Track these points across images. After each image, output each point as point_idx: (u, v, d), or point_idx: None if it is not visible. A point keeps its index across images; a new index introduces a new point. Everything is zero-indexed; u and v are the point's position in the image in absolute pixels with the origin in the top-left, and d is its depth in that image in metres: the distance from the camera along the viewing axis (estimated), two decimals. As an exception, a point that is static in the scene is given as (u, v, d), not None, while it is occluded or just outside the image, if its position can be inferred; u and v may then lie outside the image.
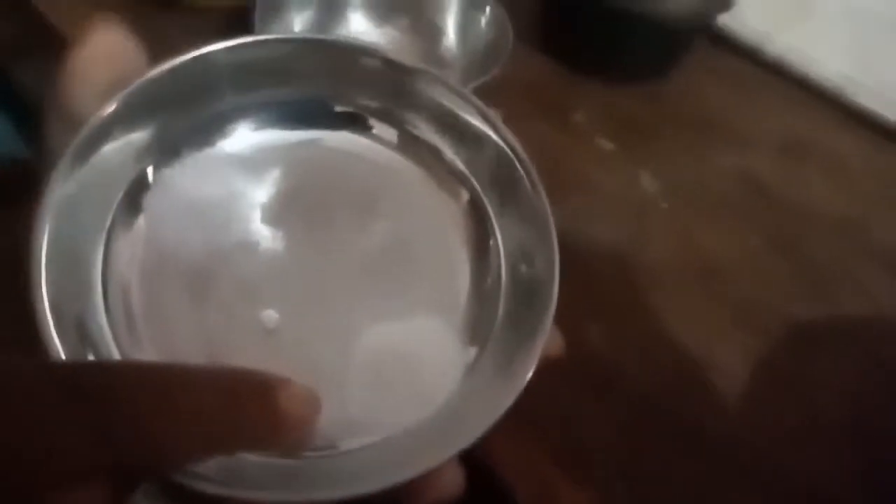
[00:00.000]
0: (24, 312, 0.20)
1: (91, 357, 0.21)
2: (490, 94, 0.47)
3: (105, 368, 0.19)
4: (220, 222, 0.25)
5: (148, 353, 0.23)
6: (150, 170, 0.25)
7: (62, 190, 0.22)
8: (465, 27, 0.46)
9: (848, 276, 0.39)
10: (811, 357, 0.37)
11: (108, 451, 0.16)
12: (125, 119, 0.24)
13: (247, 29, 0.41)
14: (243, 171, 0.26)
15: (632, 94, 0.49)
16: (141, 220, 0.25)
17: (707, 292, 0.39)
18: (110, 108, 0.23)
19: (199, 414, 0.17)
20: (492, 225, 0.27)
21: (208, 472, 0.19)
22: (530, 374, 0.23)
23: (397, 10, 0.46)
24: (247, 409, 0.18)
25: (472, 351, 0.25)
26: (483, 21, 0.45)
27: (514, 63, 0.49)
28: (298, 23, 0.44)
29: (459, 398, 0.24)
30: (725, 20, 0.52)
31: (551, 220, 0.25)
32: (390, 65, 0.27)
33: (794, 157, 0.46)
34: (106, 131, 0.23)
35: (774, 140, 0.47)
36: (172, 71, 0.25)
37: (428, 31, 0.46)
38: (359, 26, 0.46)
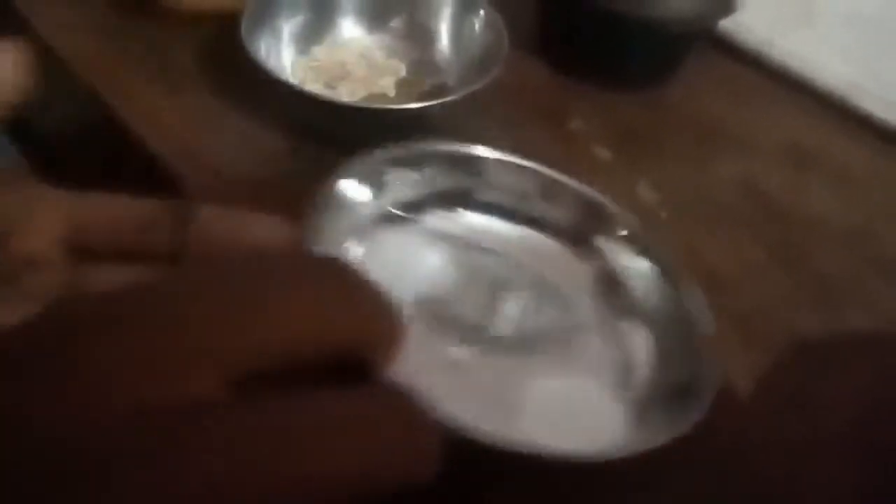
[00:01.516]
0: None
1: None
2: (485, 100, 0.47)
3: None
4: (426, 272, 0.34)
5: None
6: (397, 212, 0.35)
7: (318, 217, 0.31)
8: (458, 32, 0.45)
9: (854, 289, 0.38)
10: (816, 371, 0.36)
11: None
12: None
13: (236, 37, 0.40)
14: (454, 239, 0.35)
15: (631, 101, 0.48)
16: (369, 247, 0.33)
17: (709, 304, 0.38)
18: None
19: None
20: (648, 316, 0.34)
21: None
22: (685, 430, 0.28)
23: (389, 14, 0.45)
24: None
25: (628, 410, 0.31)
26: (477, 25, 0.44)
27: (511, 69, 0.48)
28: (287, 30, 0.43)
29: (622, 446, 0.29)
30: (727, 25, 0.51)
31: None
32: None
33: (798, 166, 0.45)
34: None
35: (777, 148, 0.46)
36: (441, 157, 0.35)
37: (421, 35, 0.45)
38: (350, 32, 0.45)
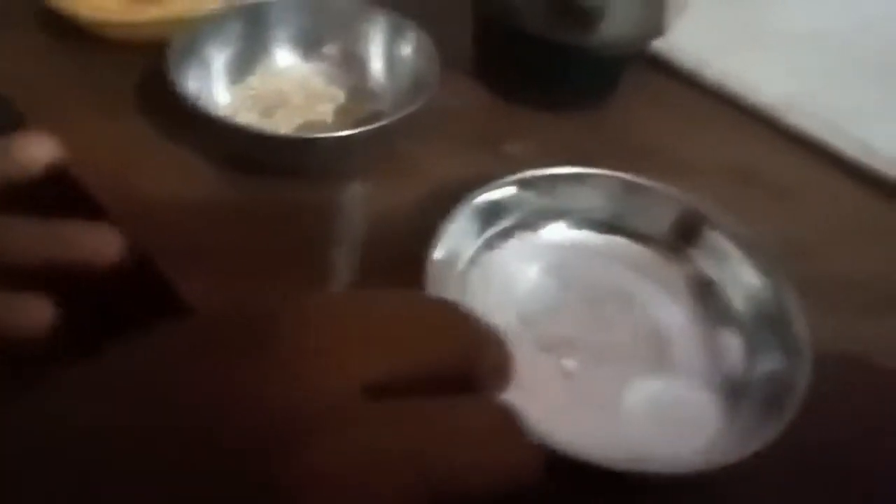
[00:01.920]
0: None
1: None
2: (423, 124, 0.48)
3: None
4: (528, 290, 0.37)
5: None
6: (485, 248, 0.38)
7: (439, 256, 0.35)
8: (391, 57, 0.45)
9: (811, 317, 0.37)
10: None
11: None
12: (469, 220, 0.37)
13: (165, 66, 0.40)
14: (542, 257, 0.39)
15: (568, 123, 0.48)
16: (475, 279, 0.37)
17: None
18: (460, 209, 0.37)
19: None
20: (738, 322, 0.36)
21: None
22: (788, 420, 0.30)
23: (323, 42, 0.46)
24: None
25: (725, 408, 0.33)
26: (408, 50, 0.44)
27: (447, 92, 0.49)
28: (220, 59, 0.43)
29: (720, 442, 0.31)
30: (665, 45, 0.52)
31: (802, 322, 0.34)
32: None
33: (738, 183, 0.46)
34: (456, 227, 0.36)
35: (716, 166, 0.46)
36: (524, 182, 0.39)
37: (355, 62, 0.46)
38: (285, 61, 0.46)
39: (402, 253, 0.36)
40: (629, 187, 0.39)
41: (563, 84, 0.47)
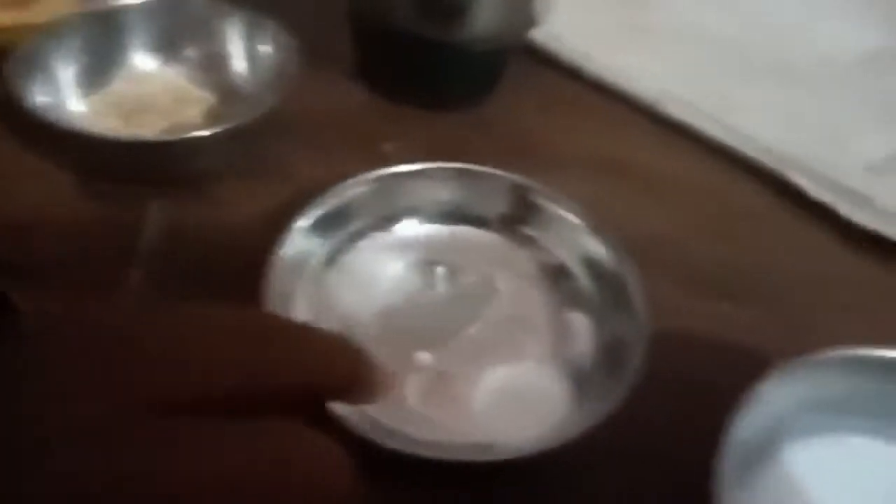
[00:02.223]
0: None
1: None
2: (293, 126, 0.47)
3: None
4: (388, 288, 0.37)
5: None
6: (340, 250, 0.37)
7: (286, 258, 0.34)
8: (251, 54, 0.44)
9: (657, 300, 0.37)
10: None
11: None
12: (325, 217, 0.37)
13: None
14: (403, 253, 0.38)
15: (448, 121, 0.48)
16: (330, 283, 0.36)
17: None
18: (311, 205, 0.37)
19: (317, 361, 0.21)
20: (591, 302, 0.36)
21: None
22: (620, 399, 0.30)
23: (182, 44, 0.45)
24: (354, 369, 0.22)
25: (573, 391, 0.34)
26: (267, 47, 0.44)
27: (327, 93, 0.48)
28: (67, 69, 0.41)
29: (567, 424, 0.31)
30: (548, 40, 0.52)
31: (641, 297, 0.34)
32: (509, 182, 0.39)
33: (613, 176, 0.45)
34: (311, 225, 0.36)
35: (593, 159, 0.46)
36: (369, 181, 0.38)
37: (217, 62, 0.45)
38: (144, 66, 0.45)
39: (259, 258, 0.35)
40: (471, 177, 0.39)
41: (439, 81, 0.47)
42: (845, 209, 0.43)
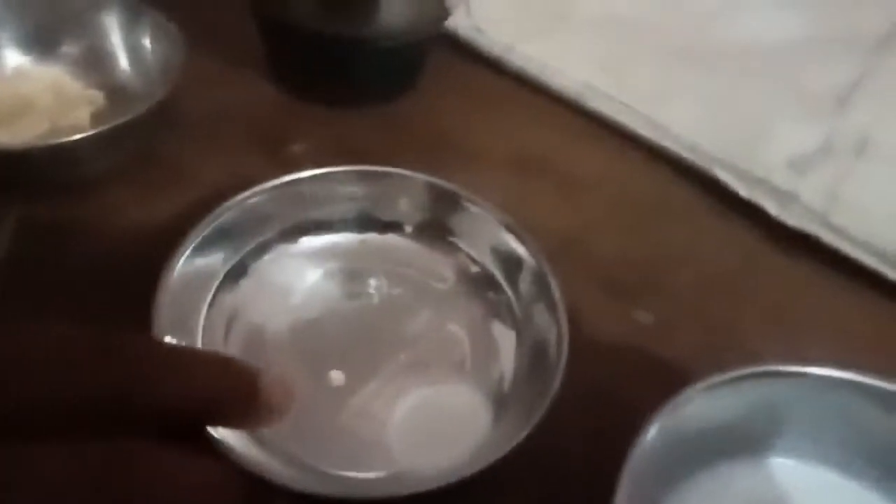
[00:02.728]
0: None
1: None
2: (192, 125, 0.43)
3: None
4: (299, 300, 0.34)
5: None
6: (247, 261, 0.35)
7: (181, 271, 0.31)
8: (134, 48, 0.41)
9: (575, 306, 0.35)
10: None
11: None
12: (224, 227, 0.34)
13: None
14: (315, 263, 0.36)
15: (362, 119, 0.45)
16: (235, 296, 0.33)
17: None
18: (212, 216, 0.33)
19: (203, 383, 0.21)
20: (513, 312, 0.34)
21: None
22: (537, 420, 0.28)
23: (59, 40, 0.41)
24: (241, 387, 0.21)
25: (494, 410, 0.31)
26: (150, 38, 0.40)
27: (233, 89, 0.45)
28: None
29: (485, 446, 0.29)
30: (468, 32, 0.49)
31: (562, 307, 0.32)
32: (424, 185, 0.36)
33: (533, 174, 0.43)
34: (211, 234, 0.33)
35: (514, 157, 0.44)
36: (268, 191, 0.35)
37: (99, 58, 0.41)
38: (15, 63, 0.41)
39: (151, 272, 0.32)
40: (384, 179, 0.36)
41: (350, 78, 0.44)
42: (772, 207, 0.42)
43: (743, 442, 0.27)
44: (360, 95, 0.45)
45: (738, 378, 0.26)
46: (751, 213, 0.42)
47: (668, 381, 0.33)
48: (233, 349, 0.32)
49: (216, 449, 0.23)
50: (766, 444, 0.27)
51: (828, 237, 0.41)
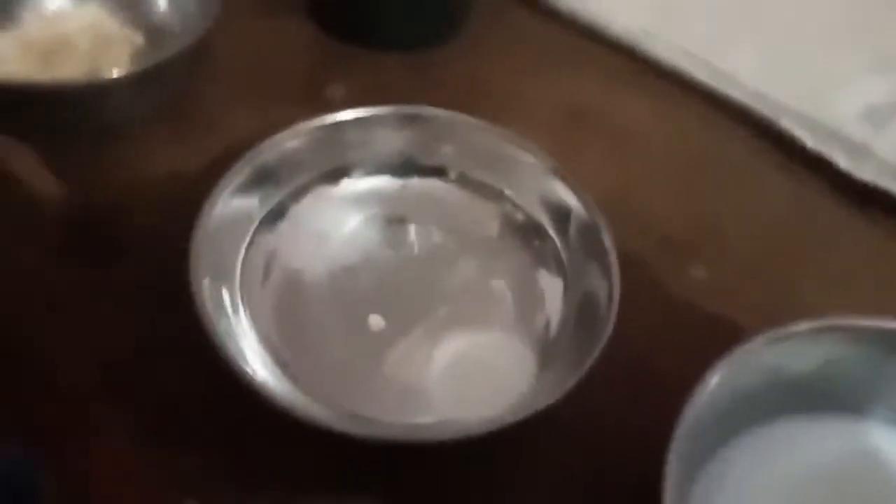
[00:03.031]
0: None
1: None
2: (230, 68, 0.42)
3: None
4: (339, 245, 0.33)
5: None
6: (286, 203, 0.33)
7: (218, 210, 0.30)
8: None
9: (626, 261, 0.32)
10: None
11: None
12: (264, 167, 0.32)
13: None
14: (355, 208, 0.34)
15: (405, 64, 0.43)
16: (272, 239, 0.32)
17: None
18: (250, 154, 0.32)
19: None
20: (561, 261, 0.32)
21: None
22: (585, 371, 0.27)
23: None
24: None
25: (538, 360, 0.30)
26: None
27: (270, 30, 0.43)
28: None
29: (529, 397, 0.28)
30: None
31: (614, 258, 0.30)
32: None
33: (584, 124, 0.41)
34: (250, 175, 0.32)
35: (559, 105, 0.42)
36: (308, 132, 0.33)
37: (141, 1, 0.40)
38: (55, 4, 0.39)
39: (185, 218, 0.31)
40: (427, 122, 0.34)
41: (395, 19, 0.42)
42: (843, 161, 0.39)
43: (802, 399, 0.26)
44: (403, 39, 0.43)
45: (801, 333, 0.24)
46: (816, 167, 0.39)
47: (720, 337, 0.31)
48: (270, 292, 0.31)
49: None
50: (825, 401, 0.26)
51: (902, 193, 0.38)
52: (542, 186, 0.33)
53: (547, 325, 0.31)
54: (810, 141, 0.40)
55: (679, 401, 0.25)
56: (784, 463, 0.25)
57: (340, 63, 0.43)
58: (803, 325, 0.25)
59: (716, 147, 0.40)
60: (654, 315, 0.33)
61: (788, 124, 0.40)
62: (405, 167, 0.35)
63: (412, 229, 0.34)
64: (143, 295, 0.31)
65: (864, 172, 0.38)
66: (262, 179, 0.32)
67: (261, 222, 0.32)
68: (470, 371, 0.30)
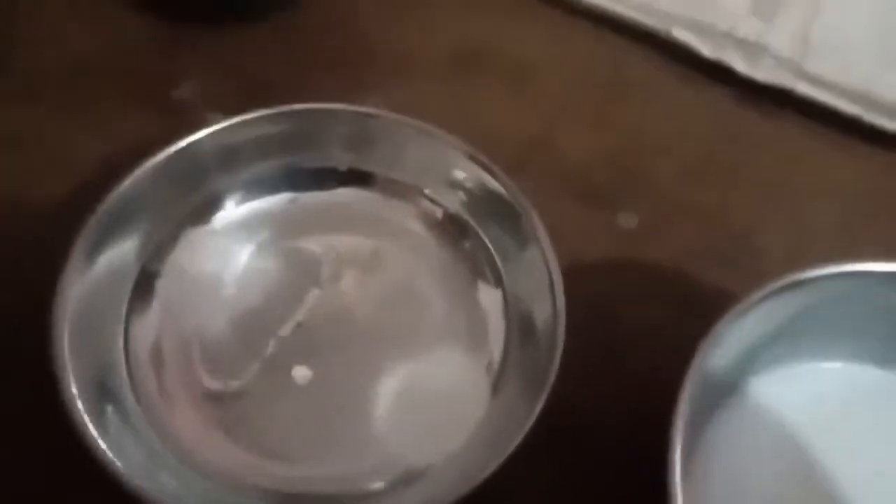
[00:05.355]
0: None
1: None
2: (55, 85, 0.34)
3: None
4: (232, 293, 0.28)
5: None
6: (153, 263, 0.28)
7: (76, 287, 0.25)
8: None
9: (554, 225, 0.29)
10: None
11: None
12: (120, 217, 0.26)
13: None
14: (241, 240, 0.29)
15: (257, 37, 0.36)
16: (156, 305, 0.27)
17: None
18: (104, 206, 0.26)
19: None
20: (495, 266, 0.29)
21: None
22: (548, 390, 0.24)
23: None
24: None
25: (491, 377, 0.27)
26: None
27: (90, 33, 0.36)
28: None
29: (488, 422, 0.26)
30: None
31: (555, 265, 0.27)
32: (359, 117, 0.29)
33: (468, 70, 0.36)
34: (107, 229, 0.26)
35: (443, 54, 0.37)
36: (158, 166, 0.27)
37: None
38: None
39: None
40: (307, 120, 0.29)
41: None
42: (739, 63, 0.37)
43: (789, 350, 0.25)
44: (251, 6, 0.37)
45: (817, 278, 0.23)
46: (719, 76, 0.37)
47: (668, 288, 0.30)
48: (170, 379, 0.26)
49: None
50: (811, 349, 0.25)
51: (804, 89, 0.37)
52: (449, 167, 0.29)
53: (490, 336, 0.28)
54: (705, 48, 0.38)
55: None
56: (793, 409, 0.25)
57: (178, 53, 0.36)
58: (819, 271, 0.24)
59: (617, 71, 0.37)
60: (597, 280, 0.31)
61: (681, 34, 0.38)
62: (288, 178, 0.30)
63: (315, 251, 0.29)
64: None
65: (761, 72, 0.37)
66: (119, 238, 0.27)
67: (132, 291, 0.27)
68: (417, 405, 0.26)
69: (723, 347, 0.23)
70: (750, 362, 0.25)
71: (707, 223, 0.33)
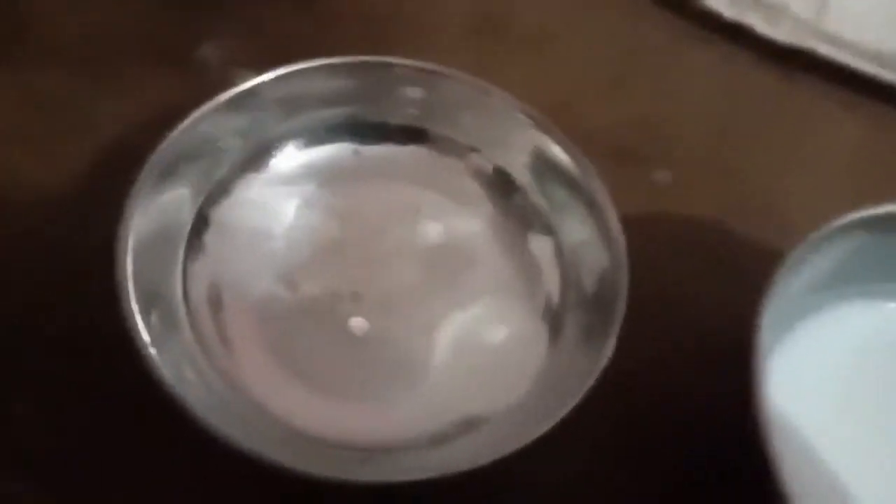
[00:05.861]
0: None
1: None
2: (76, 54, 0.33)
3: None
4: (281, 246, 0.27)
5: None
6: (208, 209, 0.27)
7: (135, 232, 0.24)
8: None
9: None
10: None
11: None
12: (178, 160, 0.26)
13: None
14: (295, 191, 0.29)
15: (282, 4, 0.36)
16: (211, 249, 0.27)
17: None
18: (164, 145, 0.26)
19: None
20: (546, 219, 0.29)
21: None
22: (615, 337, 0.24)
23: None
24: None
25: (548, 327, 0.27)
26: None
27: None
28: None
29: (546, 374, 0.25)
30: None
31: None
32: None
33: (495, 36, 0.36)
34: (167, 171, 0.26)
35: (469, 20, 0.37)
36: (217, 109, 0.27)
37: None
38: None
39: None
40: (353, 72, 0.29)
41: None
42: (759, 24, 0.37)
43: (854, 287, 0.26)
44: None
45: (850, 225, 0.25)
46: (739, 38, 0.38)
47: (707, 240, 0.30)
48: (232, 330, 0.25)
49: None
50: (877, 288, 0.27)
51: (824, 49, 0.37)
52: (512, 134, 0.29)
53: (546, 286, 0.28)
54: (726, 9, 0.38)
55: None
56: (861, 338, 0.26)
57: (203, 15, 0.35)
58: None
59: (637, 35, 0.37)
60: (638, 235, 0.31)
61: (702, -5, 0.38)
62: (335, 131, 0.29)
63: (366, 202, 0.29)
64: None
65: (781, 33, 0.38)
66: (168, 189, 0.26)
67: (186, 243, 0.26)
68: (474, 355, 0.26)
69: (798, 272, 0.23)
70: (822, 290, 0.26)
71: (736, 179, 0.33)
